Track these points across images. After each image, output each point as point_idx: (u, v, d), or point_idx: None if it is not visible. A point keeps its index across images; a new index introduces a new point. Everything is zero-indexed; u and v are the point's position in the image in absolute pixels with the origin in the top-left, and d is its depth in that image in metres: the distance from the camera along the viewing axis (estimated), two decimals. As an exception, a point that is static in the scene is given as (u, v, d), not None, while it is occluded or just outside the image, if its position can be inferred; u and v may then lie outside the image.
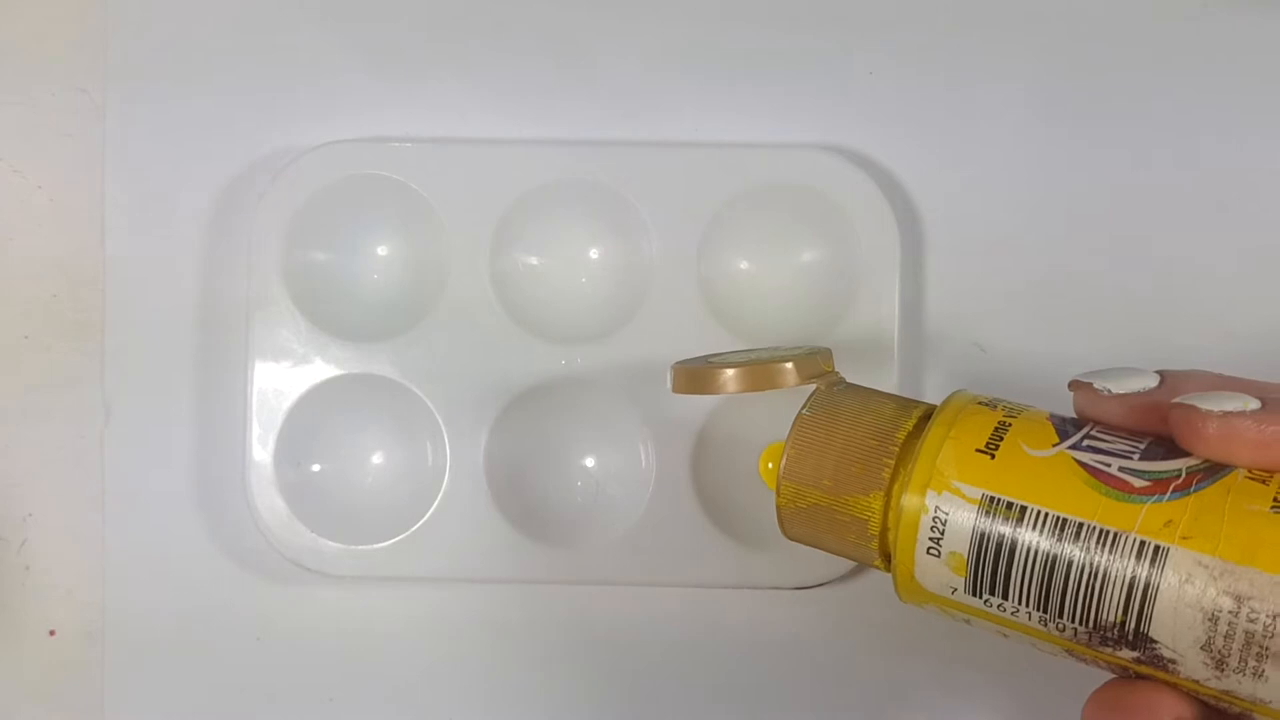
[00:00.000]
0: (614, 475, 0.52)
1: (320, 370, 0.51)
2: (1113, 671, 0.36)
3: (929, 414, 0.39)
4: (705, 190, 0.51)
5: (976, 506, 0.35)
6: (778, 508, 0.40)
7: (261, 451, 0.51)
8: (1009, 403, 0.38)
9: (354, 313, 0.52)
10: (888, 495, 0.38)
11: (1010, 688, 0.51)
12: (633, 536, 0.50)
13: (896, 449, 0.38)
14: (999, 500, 0.35)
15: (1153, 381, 0.37)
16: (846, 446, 0.39)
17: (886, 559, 0.39)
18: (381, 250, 0.53)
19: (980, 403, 0.38)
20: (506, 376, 0.51)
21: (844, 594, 0.51)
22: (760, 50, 0.53)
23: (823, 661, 0.52)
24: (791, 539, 0.41)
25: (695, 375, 0.44)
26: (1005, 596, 0.35)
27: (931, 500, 0.36)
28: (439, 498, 0.51)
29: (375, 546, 0.51)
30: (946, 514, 0.36)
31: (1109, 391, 0.37)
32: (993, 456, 0.36)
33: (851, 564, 0.50)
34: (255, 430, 0.51)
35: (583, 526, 0.51)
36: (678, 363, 0.46)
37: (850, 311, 0.51)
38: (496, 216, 0.51)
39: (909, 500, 0.36)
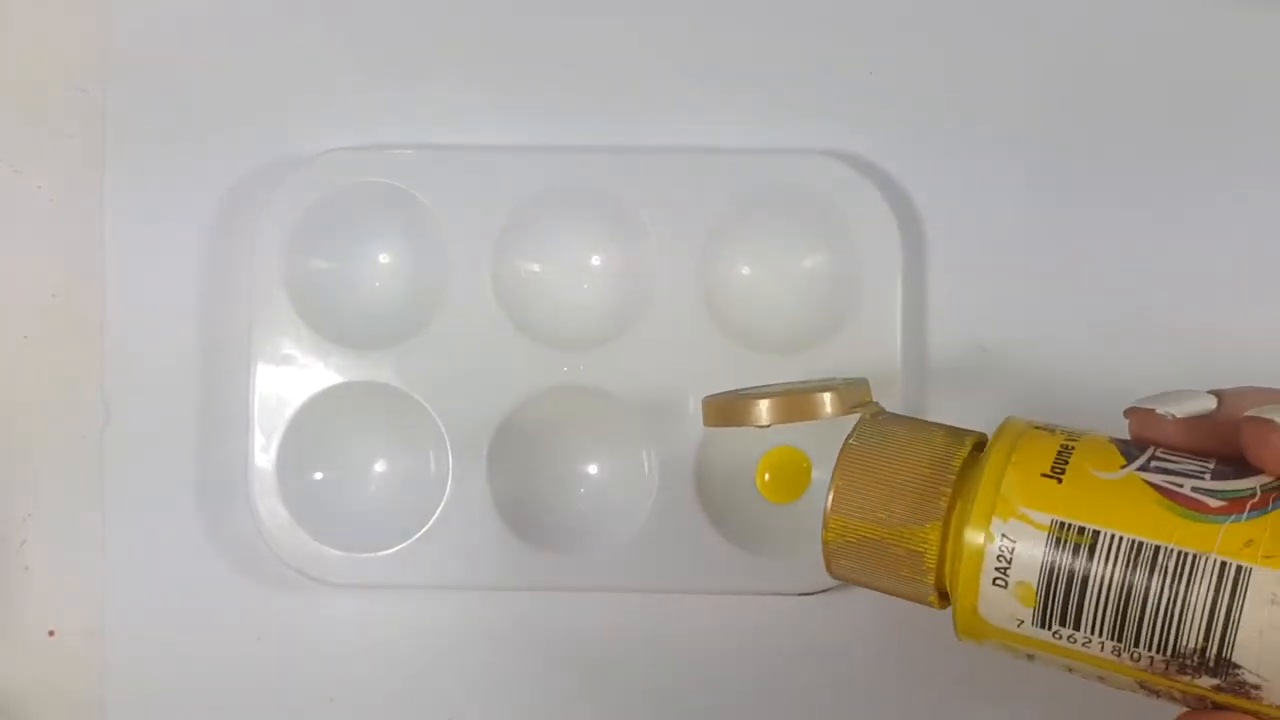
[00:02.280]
0: (617, 482, 0.52)
1: (322, 378, 0.51)
2: (1186, 704, 0.34)
3: (982, 442, 0.38)
4: (706, 196, 0.51)
5: (1045, 533, 0.34)
6: (824, 543, 0.38)
7: (264, 458, 0.51)
8: (1065, 427, 0.37)
9: (356, 320, 0.52)
10: (946, 526, 0.36)
11: (1015, 695, 0.51)
12: (636, 543, 0.50)
13: (953, 477, 0.36)
14: (1069, 525, 0.34)
15: (1212, 403, 0.36)
16: (899, 476, 0.37)
17: (941, 595, 0.37)
18: (383, 258, 0.53)
19: (1037, 427, 0.37)
20: (509, 383, 0.51)
21: (847, 600, 0.51)
22: (761, 56, 0.53)
23: (827, 667, 0.52)
24: (837, 577, 0.39)
25: (727, 408, 0.41)
26: (1076, 627, 0.34)
27: (997, 528, 0.34)
28: (441, 505, 0.51)
29: (378, 554, 0.51)
30: (1014, 542, 0.34)
31: (1172, 416, 0.35)
32: (1059, 481, 0.34)
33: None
34: (258, 437, 0.51)
35: (585, 534, 0.51)
36: (708, 396, 0.43)
37: (853, 316, 0.51)
38: (498, 223, 0.51)
39: (972, 529, 0.35)
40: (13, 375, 0.54)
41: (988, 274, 0.52)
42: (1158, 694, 0.35)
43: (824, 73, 0.52)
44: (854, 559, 0.38)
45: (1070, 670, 0.35)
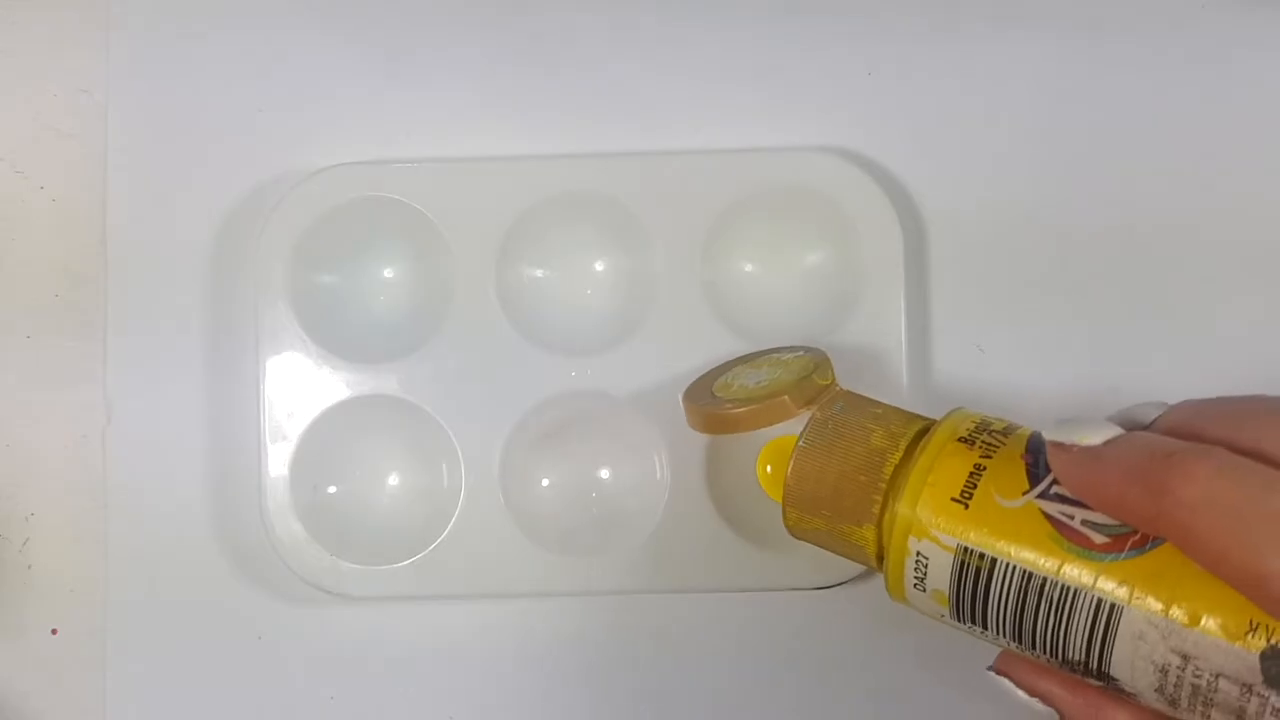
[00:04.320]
0: (629, 486, 0.52)
1: (331, 393, 0.51)
2: None
3: (918, 436, 0.41)
4: (707, 197, 0.51)
5: (952, 555, 0.38)
6: (787, 526, 0.43)
7: (276, 472, 0.51)
8: (991, 432, 0.39)
9: (362, 334, 0.52)
10: (879, 526, 0.40)
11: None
12: (650, 546, 0.51)
13: (884, 484, 0.40)
14: (972, 550, 0.37)
15: (1101, 439, 0.35)
16: (839, 480, 0.41)
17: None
18: (388, 271, 0.53)
19: (960, 438, 0.39)
20: (517, 391, 0.51)
21: (863, 592, 0.51)
22: (759, 54, 0.53)
23: (847, 659, 0.52)
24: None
25: (709, 418, 0.47)
26: (985, 628, 0.38)
27: (913, 545, 0.38)
28: (455, 515, 0.51)
29: (394, 566, 0.51)
30: (928, 559, 0.38)
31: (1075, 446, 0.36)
32: (966, 506, 0.37)
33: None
34: (269, 453, 0.51)
35: (600, 538, 0.52)
36: (687, 398, 0.49)
37: (856, 313, 0.51)
38: (500, 232, 0.51)
39: (895, 542, 0.39)
40: (15, 374, 0.53)
41: (988, 268, 0.52)
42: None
43: (822, 69, 0.53)
44: (812, 539, 0.43)
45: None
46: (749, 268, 0.53)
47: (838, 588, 0.51)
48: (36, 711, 0.53)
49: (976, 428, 0.40)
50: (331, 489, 0.52)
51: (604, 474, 0.53)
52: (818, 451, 0.42)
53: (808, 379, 0.45)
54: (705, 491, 0.51)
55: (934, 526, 0.38)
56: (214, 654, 0.53)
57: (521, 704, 0.52)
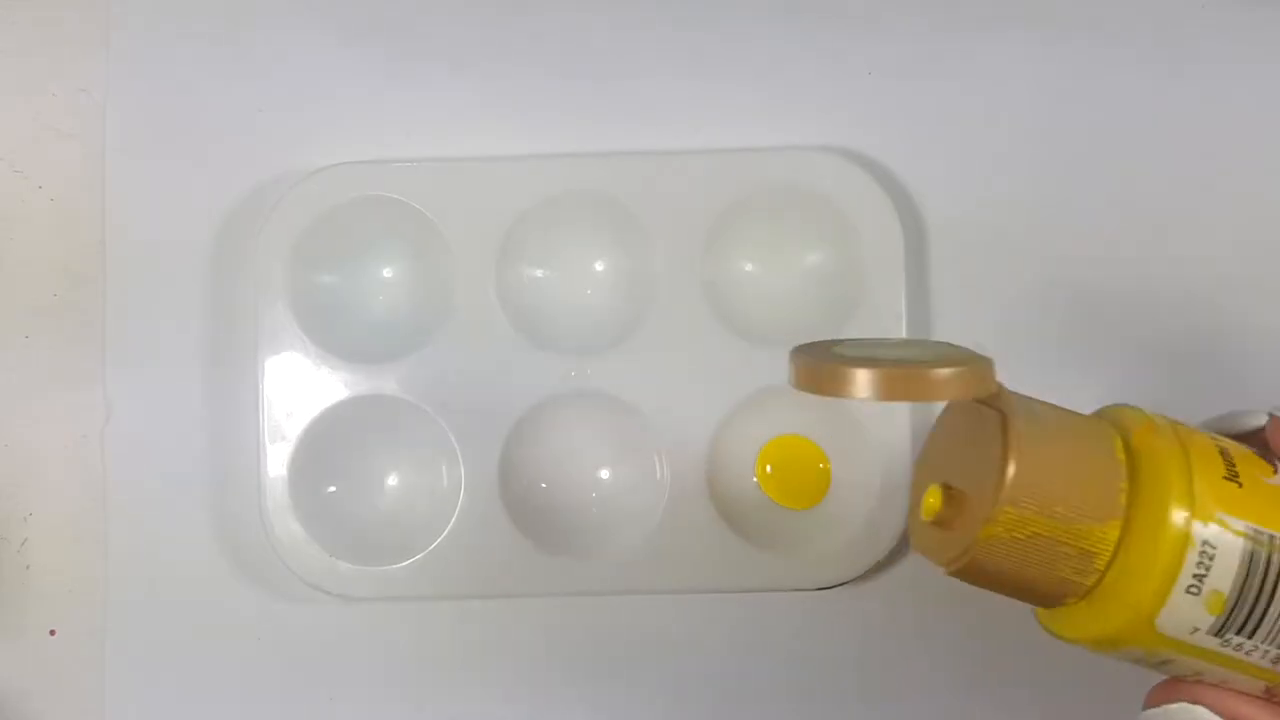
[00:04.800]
0: (629, 486, 0.52)
1: (331, 393, 0.51)
2: None
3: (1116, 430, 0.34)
4: (707, 197, 0.51)
5: (1244, 540, 0.32)
6: (985, 539, 0.32)
7: (276, 472, 0.51)
8: (1177, 422, 0.34)
9: (362, 334, 0.52)
10: (1124, 524, 0.32)
11: (1035, 686, 0.51)
12: (650, 546, 0.50)
13: (1124, 470, 0.33)
14: (1263, 534, 0.32)
15: None
16: (1077, 467, 0.32)
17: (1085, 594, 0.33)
18: (387, 272, 0.53)
19: (1171, 422, 0.34)
20: (517, 391, 0.51)
21: (863, 592, 0.51)
22: (758, 54, 0.53)
23: (848, 660, 0.52)
24: (964, 578, 0.34)
25: (819, 374, 0.32)
26: (1251, 635, 0.32)
27: (1199, 533, 0.31)
28: (455, 515, 0.51)
29: (394, 566, 0.51)
30: (1215, 549, 0.31)
31: None
32: (1240, 485, 0.32)
33: (870, 563, 0.50)
34: (269, 453, 0.51)
35: (600, 538, 0.51)
36: (799, 350, 0.34)
37: (856, 313, 0.51)
38: (500, 232, 0.51)
39: (1170, 534, 0.31)
40: (13, 374, 0.53)
41: (989, 268, 0.52)
42: (1274, 698, 0.34)
43: (822, 68, 0.53)
44: (1006, 558, 0.32)
45: (1197, 674, 0.34)
46: (749, 268, 0.53)
47: (838, 588, 0.51)
48: (36, 711, 0.53)
49: (1165, 418, 0.34)
50: (331, 489, 0.52)
51: (604, 474, 0.53)
52: (1040, 434, 0.32)
53: (973, 367, 0.32)
54: (705, 491, 0.51)
55: (1219, 508, 0.31)
56: (214, 654, 0.53)
57: (521, 704, 0.52)
